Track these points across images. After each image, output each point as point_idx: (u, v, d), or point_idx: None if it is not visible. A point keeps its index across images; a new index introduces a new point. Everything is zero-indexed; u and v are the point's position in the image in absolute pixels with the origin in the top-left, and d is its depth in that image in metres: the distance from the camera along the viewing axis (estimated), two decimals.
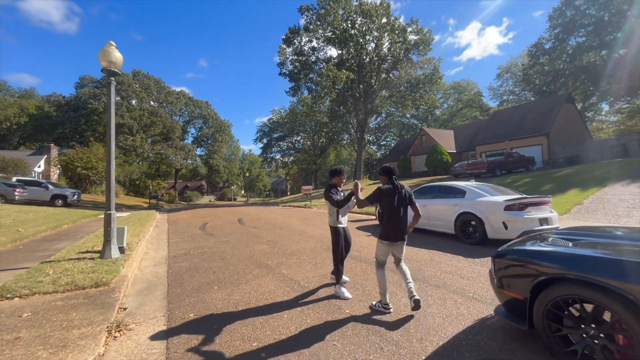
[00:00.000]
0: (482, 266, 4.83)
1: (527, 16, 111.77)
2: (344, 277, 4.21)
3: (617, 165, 14.46)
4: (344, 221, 4.12)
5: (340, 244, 3.99)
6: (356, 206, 3.72)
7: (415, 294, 3.21)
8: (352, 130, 46.93)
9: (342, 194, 4.09)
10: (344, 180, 4.15)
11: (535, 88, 36.08)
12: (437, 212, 7.44)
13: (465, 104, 55.47)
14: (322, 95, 32.81)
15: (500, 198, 6.30)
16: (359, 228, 9.47)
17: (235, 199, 59.10)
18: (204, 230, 10.54)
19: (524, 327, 2.48)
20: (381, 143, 61.49)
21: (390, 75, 36.12)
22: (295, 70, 36.77)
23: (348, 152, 68.01)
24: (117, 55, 5.89)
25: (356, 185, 3.71)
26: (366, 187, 29.47)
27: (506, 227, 5.93)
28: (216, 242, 8.21)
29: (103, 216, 6.08)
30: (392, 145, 56.44)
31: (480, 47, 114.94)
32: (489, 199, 6.40)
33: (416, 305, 3.14)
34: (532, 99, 40.82)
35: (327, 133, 52.85)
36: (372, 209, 13.58)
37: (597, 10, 30.41)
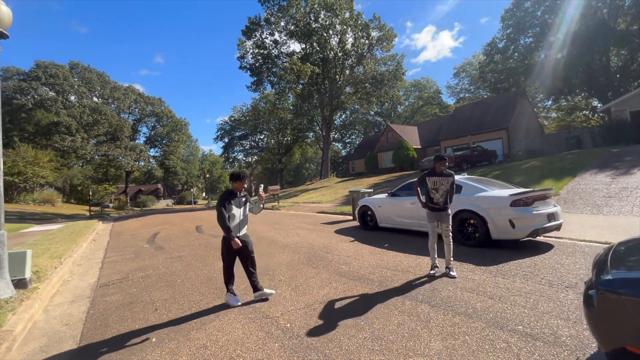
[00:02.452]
0: (504, 277, 3.92)
1: (475, 22, 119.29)
2: (268, 290, 3.88)
3: (577, 156, 14.97)
4: (244, 231, 3.78)
5: (231, 257, 3.75)
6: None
7: None
8: (318, 128, 46.02)
9: (244, 199, 3.76)
10: (245, 186, 3.76)
11: (491, 85, 37.80)
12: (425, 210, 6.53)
13: (425, 101, 57.17)
14: (286, 89, 31.32)
15: (505, 192, 5.52)
16: (337, 232, 8.36)
17: (195, 203, 55.34)
18: (152, 244, 8.75)
19: None
20: (346, 141, 61.41)
21: (355, 71, 35.68)
22: (257, 64, 34.83)
23: (314, 150, 67.16)
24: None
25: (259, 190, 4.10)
26: (334, 185, 28.69)
27: (513, 226, 5.14)
28: (166, 258, 6.59)
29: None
30: (358, 142, 56.53)
31: (435, 50, 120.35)
32: (491, 194, 5.60)
33: None
34: (486, 95, 42.95)
35: (292, 131, 51.35)
36: (349, 207, 12.59)
37: (543, 13, 32.48)
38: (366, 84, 35.01)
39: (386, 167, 33.78)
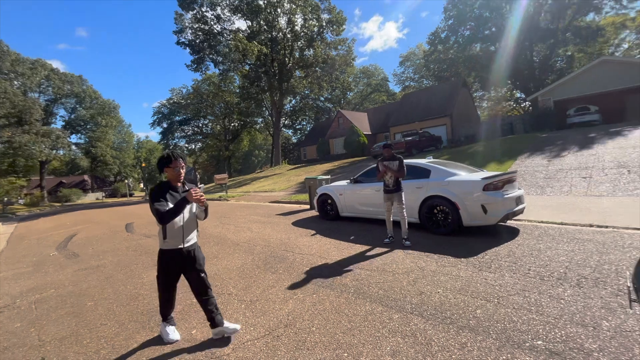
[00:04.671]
0: (490, 271, 3.50)
1: (417, 16, 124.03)
2: (232, 325, 2.68)
3: (513, 141, 16.13)
4: (192, 238, 2.61)
5: (171, 279, 2.64)
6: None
7: None
8: (267, 113, 44.10)
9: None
10: (183, 172, 2.54)
11: (434, 74, 39.64)
12: None
13: (374, 88, 58.23)
14: (232, 69, 28.92)
15: (476, 176, 5.21)
16: (295, 224, 7.54)
17: (132, 195, 49.76)
18: (63, 250, 7.00)
19: None
20: (297, 127, 60.13)
21: (305, 54, 34.40)
22: (197, 41, 31.49)
23: (263, 137, 64.83)
24: None
25: (190, 191, 2.38)
26: (286, 172, 27.67)
27: (486, 211, 4.85)
28: (78, 270, 5.13)
29: None
30: (309, 129, 55.75)
31: (381, 39, 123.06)
32: (462, 178, 5.24)
33: None
34: (430, 84, 45.12)
35: (240, 115, 48.39)
36: (304, 195, 11.81)
37: (479, 7, 34.57)
38: (317, 68, 34.06)
39: (338, 154, 33.69)
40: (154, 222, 2.59)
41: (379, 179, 5.09)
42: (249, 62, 30.50)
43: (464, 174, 5.44)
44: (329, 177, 10.52)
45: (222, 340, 2.58)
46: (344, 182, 7.61)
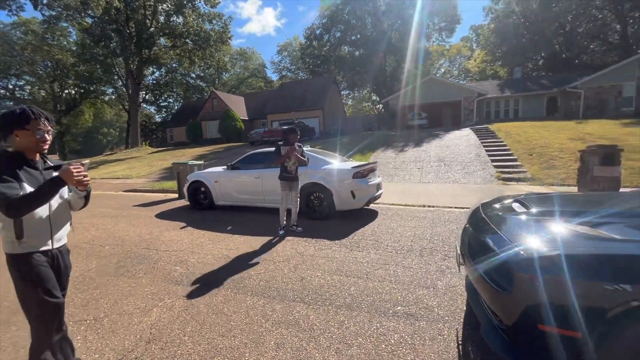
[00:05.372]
0: (360, 250, 3.93)
1: (295, 8, 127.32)
2: None
3: (372, 137, 18.97)
4: (62, 237, 1.77)
5: (40, 298, 1.57)
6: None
7: None
8: (121, 83, 36.24)
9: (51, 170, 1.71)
10: (48, 137, 1.65)
11: (309, 68, 41.80)
12: (275, 186, 5.96)
13: (251, 72, 56.57)
14: (65, 18, 22.10)
15: (346, 165, 5.73)
16: (160, 216, 6.48)
17: None
18: None
19: None
20: (161, 104, 52.06)
21: (174, 20, 29.83)
22: None
23: (115, 112, 53.34)
24: None
25: (68, 168, 1.54)
26: (147, 156, 23.64)
27: (354, 197, 5.43)
28: None
29: None
30: (176, 108, 49.28)
31: (260, 24, 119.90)
32: (336, 167, 5.67)
33: None
34: (305, 76, 47.43)
35: (78, 81, 37.77)
36: (172, 183, 10.35)
37: (348, 13, 38.46)
38: (187, 40, 30.15)
39: (212, 138, 31.23)
40: None
41: (277, 164, 4.85)
42: (92, 15, 23.95)
43: (337, 163, 5.91)
44: (202, 162, 9.56)
45: None
46: (219, 169, 7.03)
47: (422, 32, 34.86)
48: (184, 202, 7.62)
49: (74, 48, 34.29)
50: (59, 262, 1.71)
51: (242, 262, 3.69)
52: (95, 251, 4.33)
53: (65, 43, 35.93)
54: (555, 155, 10.21)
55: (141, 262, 3.84)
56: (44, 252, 1.63)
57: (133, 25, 27.69)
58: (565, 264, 1.51)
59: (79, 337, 2.34)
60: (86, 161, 1.66)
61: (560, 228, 1.83)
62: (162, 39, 31.18)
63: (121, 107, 45.28)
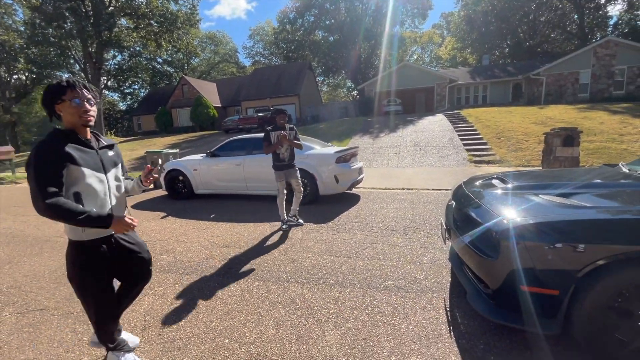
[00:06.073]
0: (347, 232, 4.03)
1: None
2: (130, 337, 2.01)
3: (348, 123, 19.07)
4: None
5: (103, 284, 1.64)
6: None
7: None
8: (78, 67, 33.51)
9: (111, 154, 1.71)
10: (91, 108, 1.54)
11: (283, 53, 40.83)
12: (257, 172, 5.95)
13: (222, 57, 54.26)
14: None
15: (329, 150, 5.77)
16: (137, 207, 6.24)
17: None
18: None
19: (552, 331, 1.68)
20: (125, 90, 48.89)
21: None
22: None
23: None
24: None
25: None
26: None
27: (337, 181, 5.51)
28: None
29: None
30: (143, 94, 46.54)
31: (229, 7, 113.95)
32: (319, 152, 5.69)
33: None
34: (279, 62, 46.28)
35: (28, 64, 34.44)
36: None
37: None
38: (152, 21, 28.25)
39: (183, 126, 29.99)
40: None
41: (268, 152, 4.19)
42: None
43: (320, 148, 5.94)
44: (177, 151, 9.21)
45: None
46: (197, 157, 6.82)
47: (397, 18, 35.04)
48: (161, 192, 7.37)
49: (22, 28, 31.11)
50: (119, 247, 1.69)
51: (231, 248, 3.67)
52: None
53: (10, 22, 32.49)
54: (521, 138, 10.86)
55: None
56: (105, 239, 1.62)
57: (89, 4, 25.45)
58: (545, 229, 1.67)
59: (67, 330, 2.26)
60: (160, 162, 1.68)
61: (538, 199, 2.00)
62: (123, 20, 28.98)
63: None
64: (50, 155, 1.40)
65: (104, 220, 1.44)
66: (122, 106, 51.09)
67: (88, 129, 1.59)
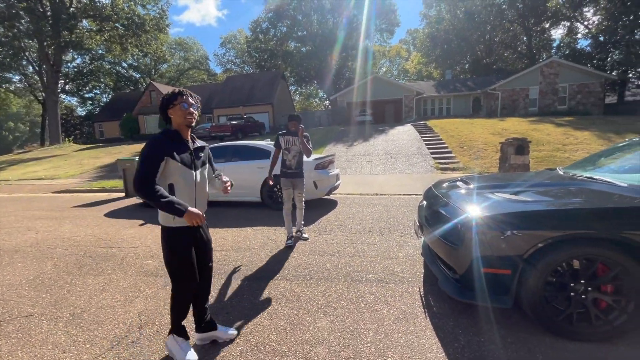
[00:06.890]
0: (328, 234, 4.29)
1: (237, 0, 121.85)
2: (231, 331, 2.17)
3: (322, 132, 19.54)
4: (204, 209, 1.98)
5: (188, 263, 1.87)
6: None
7: None
8: (32, 69, 31.28)
9: (202, 154, 1.99)
10: (194, 112, 1.86)
11: (256, 62, 40.89)
12: (239, 179, 6.01)
13: (192, 64, 53.13)
14: None
15: (309, 157, 6.02)
16: (110, 215, 6.06)
17: None
18: None
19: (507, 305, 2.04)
20: (86, 95, 46.17)
21: (98, 0, 26.67)
22: None
23: (24, 103, 45.95)
24: None
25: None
26: (74, 154, 20.99)
27: (316, 187, 5.77)
28: None
29: None
30: (105, 100, 44.22)
31: (199, 14, 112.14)
32: None
33: None
34: (251, 70, 46.21)
35: None
36: (114, 182, 9.57)
37: (294, 9, 38.44)
38: (117, 24, 27.26)
39: (151, 133, 28.84)
40: None
41: (274, 160, 4.04)
42: None
43: None
44: None
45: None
46: None
47: (367, 32, 36.56)
48: (135, 200, 7.18)
49: None
50: (201, 235, 1.97)
51: (217, 252, 3.77)
52: (46, 254, 3.97)
53: None
54: (481, 147, 11.85)
55: (105, 260, 3.68)
56: (191, 228, 1.86)
57: (47, 4, 24.10)
58: (501, 220, 2.04)
59: (59, 333, 2.28)
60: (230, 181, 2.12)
61: (494, 196, 2.39)
62: (85, 22, 27.67)
63: (33, 97, 39.04)
64: (156, 149, 1.72)
65: (179, 210, 1.67)
66: (81, 112, 48.16)
67: (189, 131, 1.89)
